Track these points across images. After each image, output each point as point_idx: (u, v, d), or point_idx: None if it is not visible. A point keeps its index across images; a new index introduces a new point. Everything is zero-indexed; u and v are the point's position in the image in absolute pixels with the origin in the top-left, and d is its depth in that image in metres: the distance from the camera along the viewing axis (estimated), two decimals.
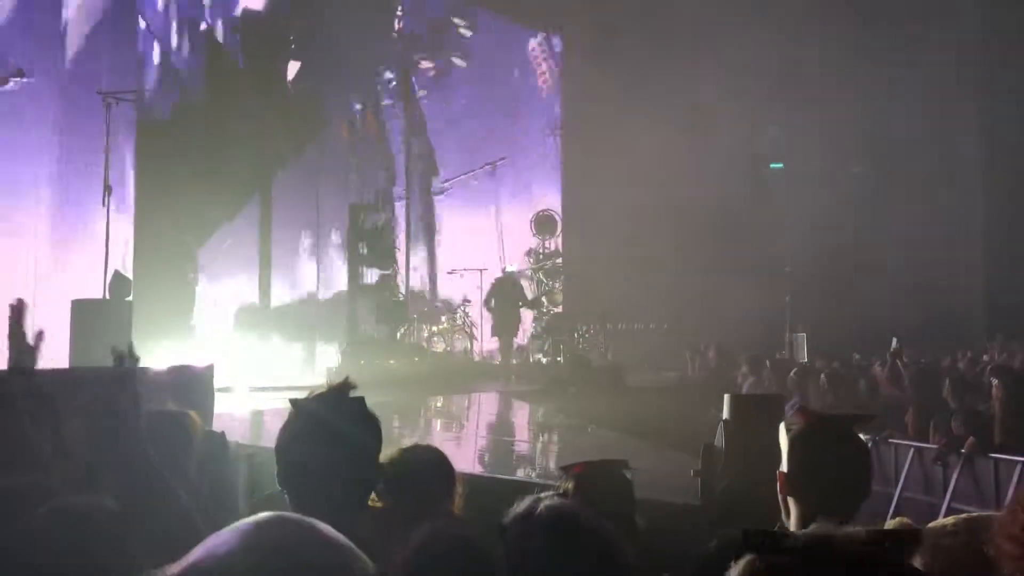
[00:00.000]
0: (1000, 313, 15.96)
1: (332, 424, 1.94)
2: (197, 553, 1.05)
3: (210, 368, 6.09)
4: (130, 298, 9.57)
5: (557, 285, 17.26)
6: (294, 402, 2.01)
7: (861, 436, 2.21)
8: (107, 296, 9.51)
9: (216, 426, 5.31)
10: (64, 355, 8.21)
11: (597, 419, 10.94)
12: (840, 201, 17.33)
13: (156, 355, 9.63)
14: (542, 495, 1.88)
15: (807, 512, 2.08)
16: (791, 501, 2.12)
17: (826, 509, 2.02)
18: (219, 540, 1.05)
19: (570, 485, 2.57)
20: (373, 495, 2.38)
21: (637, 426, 10.55)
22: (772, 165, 18.61)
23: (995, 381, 7.01)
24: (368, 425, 2.02)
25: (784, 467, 2.15)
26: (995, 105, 16.78)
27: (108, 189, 10.06)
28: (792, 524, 2.11)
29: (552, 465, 7.17)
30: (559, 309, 17.18)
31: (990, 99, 16.93)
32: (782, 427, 2.20)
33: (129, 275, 10.77)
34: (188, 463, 2.54)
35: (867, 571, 0.98)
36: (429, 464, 2.71)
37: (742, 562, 1.03)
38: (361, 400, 2.02)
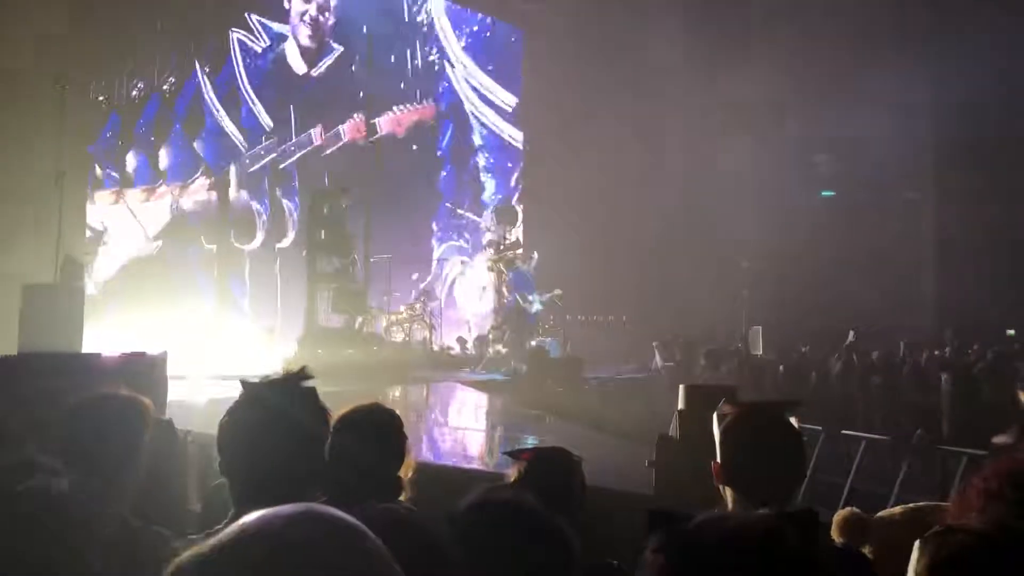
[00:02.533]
0: (950, 308, 16.28)
1: (279, 411, 1.90)
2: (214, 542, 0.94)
3: (164, 355, 6.02)
4: (82, 283, 9.39)
5: None
6: (244, 383, 1.98)
7: (793, 422, 2.23)
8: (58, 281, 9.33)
9: (169, 414, 5.25)
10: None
11: (555, 410, 10.99)
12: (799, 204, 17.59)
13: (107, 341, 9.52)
14: (494, 485, 1.88)
15: (742, 500, 2.11)
16: (727, 490, 2.15)
17: (760, 496, 2.04)
18: (246, 531, 0.94)
19: (518, 471, 2.58)
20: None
21: (595, 418, 10.62)
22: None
23: (944, 376, 7.16)
24: (317, 415, 1.99)
25: (718, 457, 2.17)
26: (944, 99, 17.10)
27: (61, 173, 9.87)
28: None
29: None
30: None
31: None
32: (715, 417, 2.23)
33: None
34: (140, 449, 2.50)
35: (757, 551, 0.99)
36: (381, 425, 2.59)
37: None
38: (313, 390, 1.99)
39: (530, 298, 15.51)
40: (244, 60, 15.83)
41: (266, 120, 16.05)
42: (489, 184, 20.05)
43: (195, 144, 15.19)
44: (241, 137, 15.70)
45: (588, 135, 17.83)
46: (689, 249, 17.84)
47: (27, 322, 8.33)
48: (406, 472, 2.54)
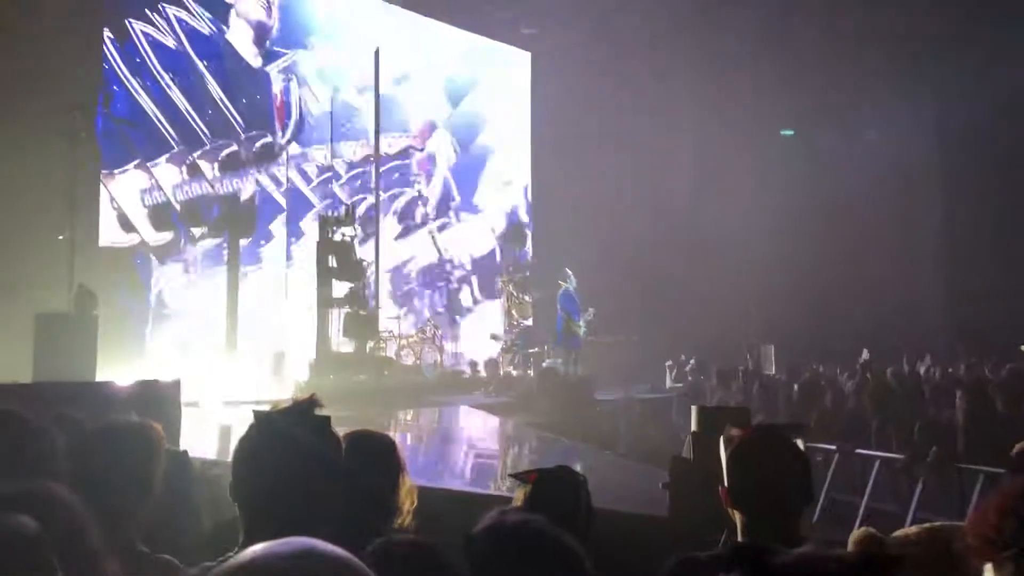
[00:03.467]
0: (962, 323, 16.20)
1: (292, 440, 1.90)
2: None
3: (176, 383, 6.04)
4: (97, 312, 9.43)
5: (527, 297, 17.25)
6: (256, 414, 1.98)
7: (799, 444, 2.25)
8: (72, 310, 9.38)
9: (182, 441, 5.25)
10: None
11: (567, 432, 10.95)
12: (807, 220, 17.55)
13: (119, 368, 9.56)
14: (507, 508, 1.88)
15: (750, 522, 2.14)
16: (735, 514, 2.16)
17: (768, 518, 2.09)
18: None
19: (524, 492, 2.58)
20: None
21: (608, 439, 10.59)
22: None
23: (958, 393, 7.11)
24: (330, 444, 1.99)
25: (725, 481, 2.19)
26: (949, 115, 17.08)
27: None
28: (739, 535, 2.16)
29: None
30: (529, 322, 17.19)
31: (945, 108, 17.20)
32: (721, 441, 2.25)
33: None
34: (153, 477, 2.50)
35: None
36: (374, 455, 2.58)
37: None
38: (326, 419, 1.99)
39: (579, 321, 15.46)
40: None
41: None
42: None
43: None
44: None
45: (595, 156, 17.91)
46: (698, 267, 17.82)
47: (41, 351, 8.37)
48: (407, 498, 2.54)
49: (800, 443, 2.25)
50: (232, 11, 15.73)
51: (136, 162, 14.25)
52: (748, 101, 17.97)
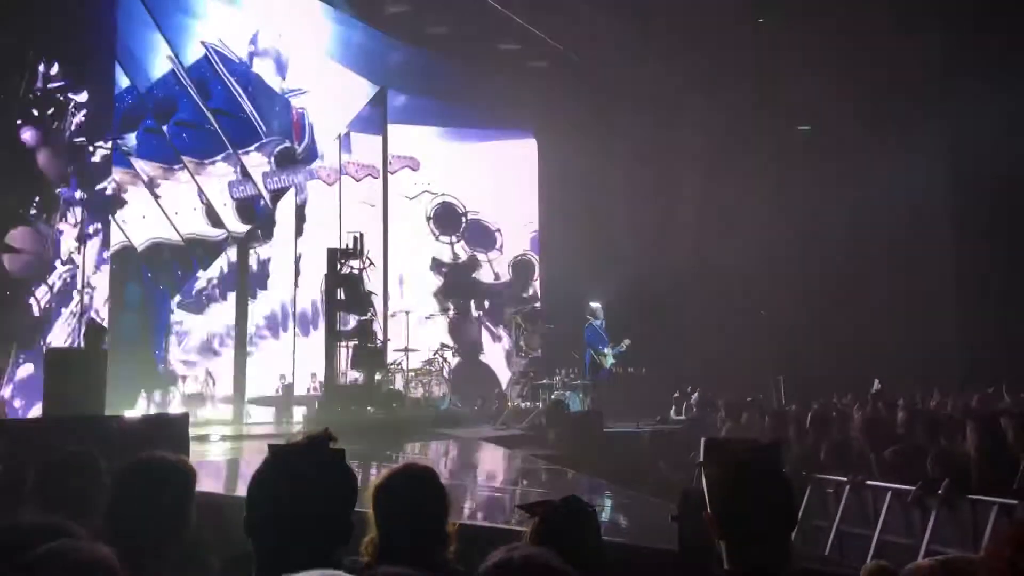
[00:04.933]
0: (972, 353, 16.11)
1: (307, 475, 1.91)
2: None
3: (185, 416, 6.06)
4: (106, 347, 9.46)
5: (535, 329, 17.25)
6: (272, 448, 1.99)
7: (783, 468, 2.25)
8: (82, 345, 9.41)
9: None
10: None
11: (576, 464, 10.89)
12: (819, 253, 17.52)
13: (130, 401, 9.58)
14: (515, 544, 1.88)
15: (732, 547, 2.15)
16: (719, 541, 2.17)
17: (751, 544, 2.11)
18: None
19: (533, 525, 2.57)
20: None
21: (617, 472, 10.52)
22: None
23: (969, 424, 7.06)
24: (344, 479, 1.99)
25: (708, 508, 2.20)
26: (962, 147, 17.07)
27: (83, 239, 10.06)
28: (724, 562, 2.16)
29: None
30: (538, 353, 17.17)
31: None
32: (702, 471, 2.26)
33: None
34: (188, 514, 2.50)
35: None
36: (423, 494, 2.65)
37: None
38: (341, 452, 2.00)
39: (604, 351, 15.43)
40: None
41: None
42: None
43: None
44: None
45: (603, 189, 17.95)
46: (705, 299, 17.78)
47: (51, 386, 8.38)
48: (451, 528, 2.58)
49: (785, 464, 2.26)
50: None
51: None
52: (755, 140, 18.03)
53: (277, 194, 16.57)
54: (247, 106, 16.20)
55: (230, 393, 15.27)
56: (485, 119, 19.26)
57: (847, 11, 16.01)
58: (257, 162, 16.29)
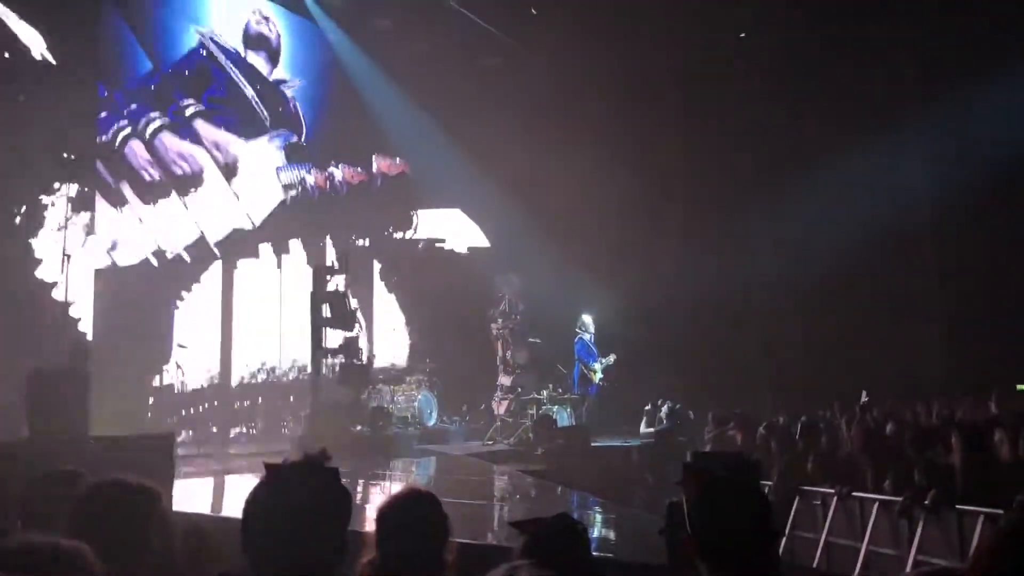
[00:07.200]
0: (959, 365, 16.16)
1: (302, 493, 1.92)
2: None
3: (170, 434, 6.03)
4: (90, 367, 9.37)
5: (519, 343, 17.18)
6: (268, 467, 1.99)
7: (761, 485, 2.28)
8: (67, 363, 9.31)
9: (176, 494, 5.23)
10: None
11: (564, 479, 10.89)
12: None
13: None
14: (516, 563, 1.87)
15: (713, 567, 2.15)
16: (700, 563, 2.18)
17: (731, 562, 2.12)
18: None
19: (524, 542, 2.58)
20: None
21: (605, 486, 10.52)
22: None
23: (954, 434, 7.11)
24: (339, 497, 2.01)
25: (688, 530, 2.21)
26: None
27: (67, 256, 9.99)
28: None
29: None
30: (524, 368, 17.09)
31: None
32: (682, 493, 2.27)
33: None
34: (150, 536, 2.48)
35: None
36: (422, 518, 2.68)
37: None
38: (334, 471, 2.01)
39: (594, 366, 15.42)
40: None
41: None
42: None
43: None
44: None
45: (589, 204, 17.95)
46: (695, 317, 17.78)
47: (35, 406, 8.30)
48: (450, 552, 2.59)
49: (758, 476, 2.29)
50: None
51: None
52: (741, 164, 18.11)
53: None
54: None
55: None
56: None
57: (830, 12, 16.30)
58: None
